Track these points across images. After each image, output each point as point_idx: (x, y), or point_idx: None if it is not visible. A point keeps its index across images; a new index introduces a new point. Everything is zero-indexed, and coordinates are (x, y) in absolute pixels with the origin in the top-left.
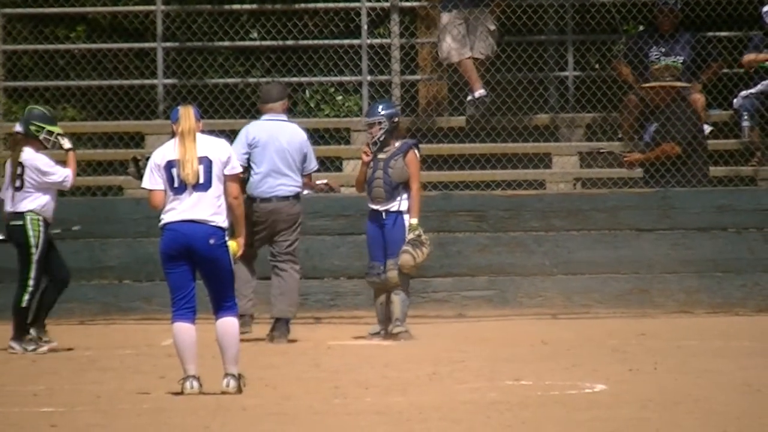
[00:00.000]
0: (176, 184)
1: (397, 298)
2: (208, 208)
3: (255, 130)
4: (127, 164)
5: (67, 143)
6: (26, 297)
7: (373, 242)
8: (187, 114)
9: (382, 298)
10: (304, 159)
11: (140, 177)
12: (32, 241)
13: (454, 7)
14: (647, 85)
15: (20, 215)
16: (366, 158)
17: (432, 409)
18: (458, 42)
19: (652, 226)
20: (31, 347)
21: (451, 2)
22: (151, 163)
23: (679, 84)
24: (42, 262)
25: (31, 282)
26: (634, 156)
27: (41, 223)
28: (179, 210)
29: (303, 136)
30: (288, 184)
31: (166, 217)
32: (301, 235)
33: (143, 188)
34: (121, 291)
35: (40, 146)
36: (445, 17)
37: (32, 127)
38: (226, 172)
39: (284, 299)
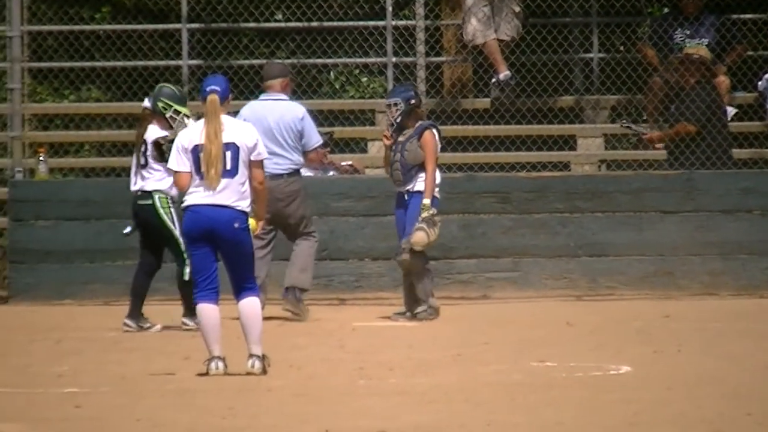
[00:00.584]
0: (203, 169)
1: (415, 281)
2: (233, 194)
3: (245, 111)
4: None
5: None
6: (187, 270)
7: (397, 223)
8: (213, 110)
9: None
10: (301, 136)
11: (163, 160)
12: (166, 219)
13: None
14: (678, 57)
15: (148, 194)
16: (387, 141)
17: (456, 390)
18: (483, 24)
19: (676, 208)
20: (146, 325)
21: None
22: (177, 145)
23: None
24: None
25: (186, 255)
26: (654, 134)
27: (169, 200)
28: (203, 194)
29: (298, 113)
30: (280, 163)
31: (190, 199)
32: (310, 211)
33: (169, 169)
34: None
35: (165, 125)
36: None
37: (160, 104)
38: (253, 158)
39: (294, 267)
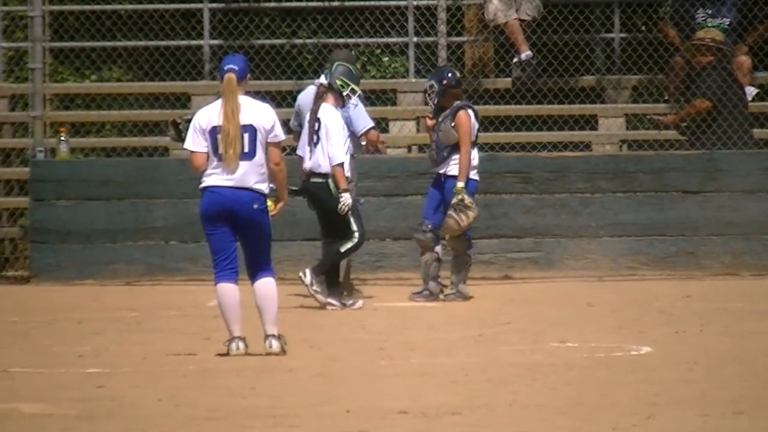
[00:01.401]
0: (220, 150)
1: (453, 263)
2: (252, 176)
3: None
4: (167, 127)
5: None
6: (348, 244)
7: (429, 199)
8: (231, 88)
9: (426, 257)
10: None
11: (180, 139)
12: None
13: None
14: (693, 43)
15: (321, 174)
16: (429, 122)
17: (477, 370)
18: (505, 3)
19: (698, 188)
20: (349, 302)
21: None
22: (195, 124)
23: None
24: (357, 213)
25: (356, 234)
26: (668, 118)
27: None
28: (223, 176)
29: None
30: None
31: (209, 180)
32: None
33: (185, 149)
34: (167, 252)
35: (340, 102)
36: None
37: (338, 82)
38: (269, 140)
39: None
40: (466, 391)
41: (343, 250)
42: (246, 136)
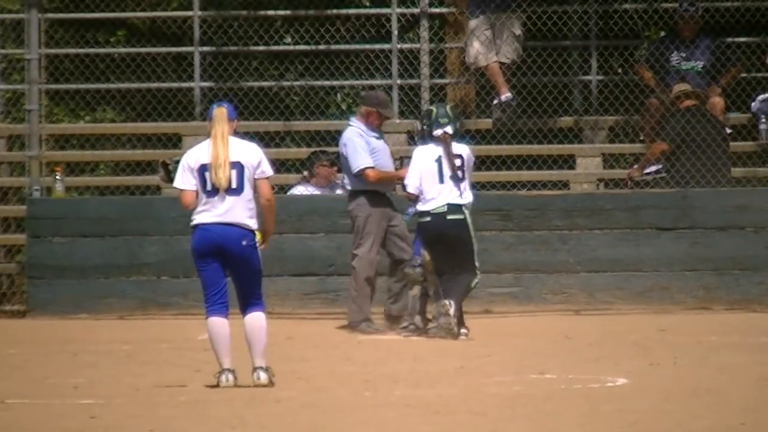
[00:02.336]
0: (209, 188)
1: (414, 292)
2: (241, 212)
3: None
4: (158, 167)
5: None
6: (475, 280)
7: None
8: (221, 117)
9: (414, 291)
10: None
11: (170, 180)
12: (472, 232)
13: (481, 12)
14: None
15: (459, 208)
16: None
17: (459, 401)
18: (485, 46)
19: (672, 225)
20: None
21: (478, 8)
22: (183, 164)
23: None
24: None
25: (478, 270)
26: (633, 172)
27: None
28: (213, 213)
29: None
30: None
31: (199, 218)
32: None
33: (175, 188)
34: (159, 287)
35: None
36: (472, 23)
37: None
38: (257, 177)
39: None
40: (447, 422)
41: (473, 285)
42: (234, 172)
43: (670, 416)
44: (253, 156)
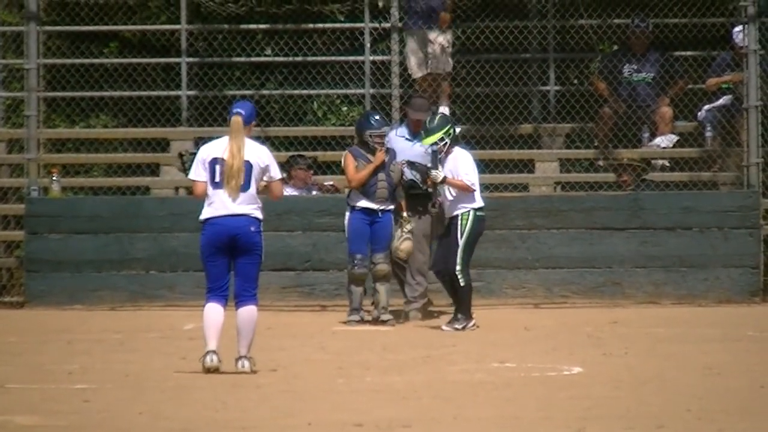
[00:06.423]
0: (217, 179)
1: (383, 288)
2: (248, 204)
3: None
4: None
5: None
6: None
7: (361, 236)
8: (236, 128)
9: (361, 287)
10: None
11: (184, 171)
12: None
13: (413, 25)
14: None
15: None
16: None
17: (425, 387)
18: (418, 60)
19: (623, 225)
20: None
21: (410, 22)
22: (198, 157)
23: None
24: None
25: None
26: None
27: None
28: (221, 206)
29: None
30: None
31: (208, 212)
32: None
33: (189, 179)
34: (148, 280)
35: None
36: (406, 37)
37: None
38: (266, 179)
39: None
40: (415, 406)
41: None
42: (244, 170)
43: (621, 402)
44: (262, 158)
